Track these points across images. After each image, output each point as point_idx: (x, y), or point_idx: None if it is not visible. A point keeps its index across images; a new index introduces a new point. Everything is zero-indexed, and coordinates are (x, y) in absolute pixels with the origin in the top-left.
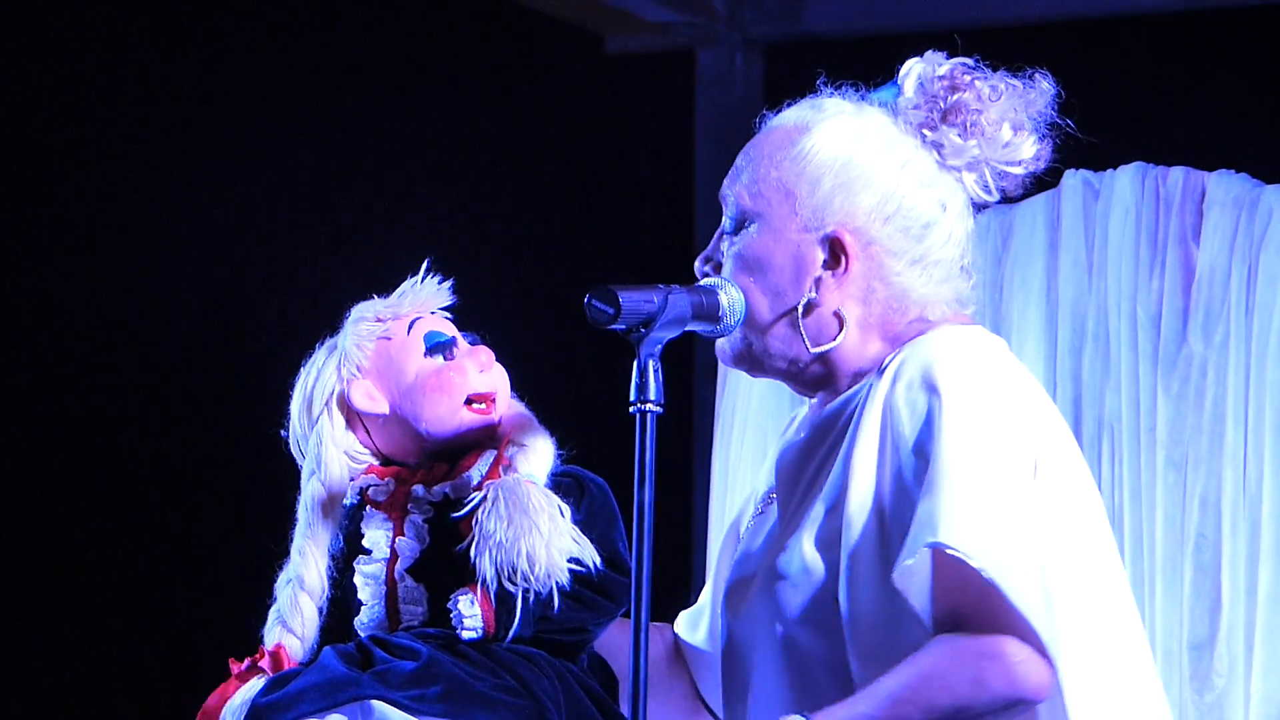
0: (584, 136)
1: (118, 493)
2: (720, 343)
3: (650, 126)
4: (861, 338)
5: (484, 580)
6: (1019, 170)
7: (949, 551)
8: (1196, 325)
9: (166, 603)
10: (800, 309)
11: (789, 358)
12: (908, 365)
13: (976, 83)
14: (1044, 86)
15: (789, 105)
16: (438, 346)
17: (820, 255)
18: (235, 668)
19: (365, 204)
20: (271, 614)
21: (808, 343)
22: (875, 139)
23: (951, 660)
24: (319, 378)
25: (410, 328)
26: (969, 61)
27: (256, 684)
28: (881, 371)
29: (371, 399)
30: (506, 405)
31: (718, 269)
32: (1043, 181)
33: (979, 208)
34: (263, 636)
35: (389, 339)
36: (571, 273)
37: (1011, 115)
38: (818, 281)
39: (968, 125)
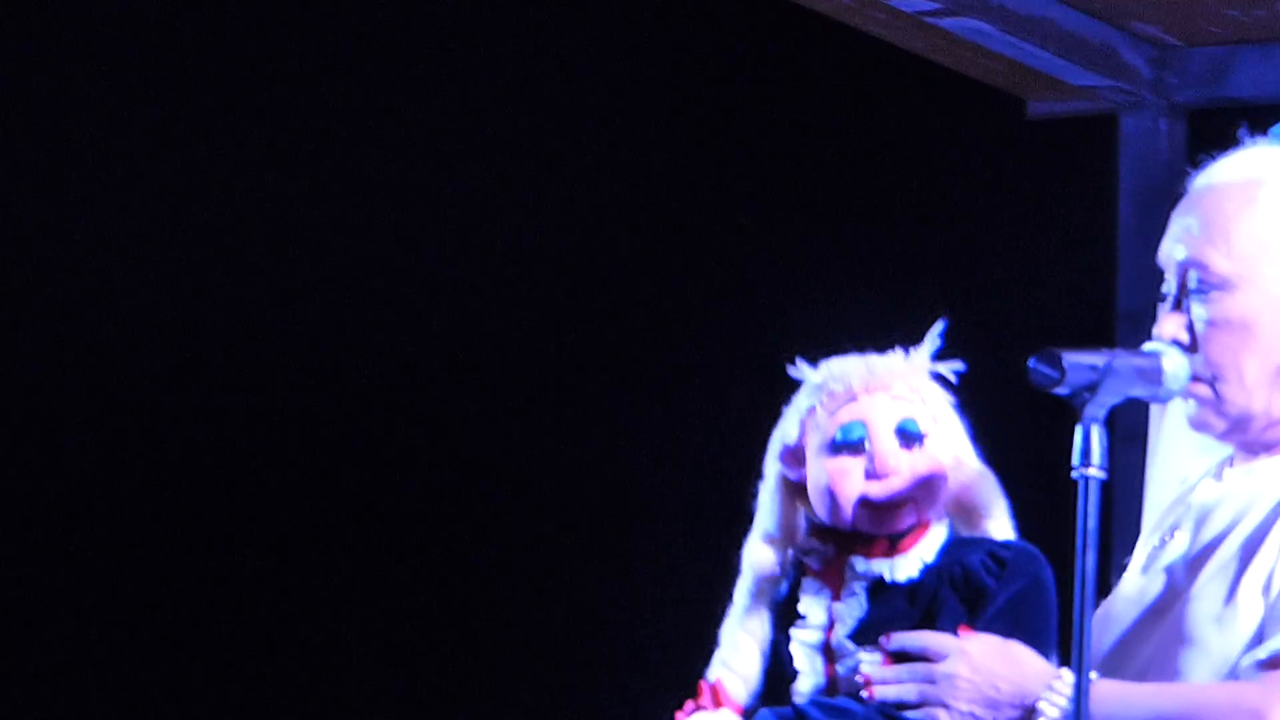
0: (1004, 199)
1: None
2: (1199, 413)
3: (1071, 190)
4: None
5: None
6: None
7: None
8: None
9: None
10: None
11: (1274, 420)
12: None
13: None
14: None
15: (1210, 161)
16: (843, 445)
17: None
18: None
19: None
20: (715, 656)
21: None
22: None
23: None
24: (780, 427)
25: (841, 407)
26: None
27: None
28: None
29: (794, 465)
30: (939, 488)
31: (1186, 333)
32: None
33: None
34: (704, 674)
35: (815, 411)
36: (989, 336)
37: None
38: None
39: None
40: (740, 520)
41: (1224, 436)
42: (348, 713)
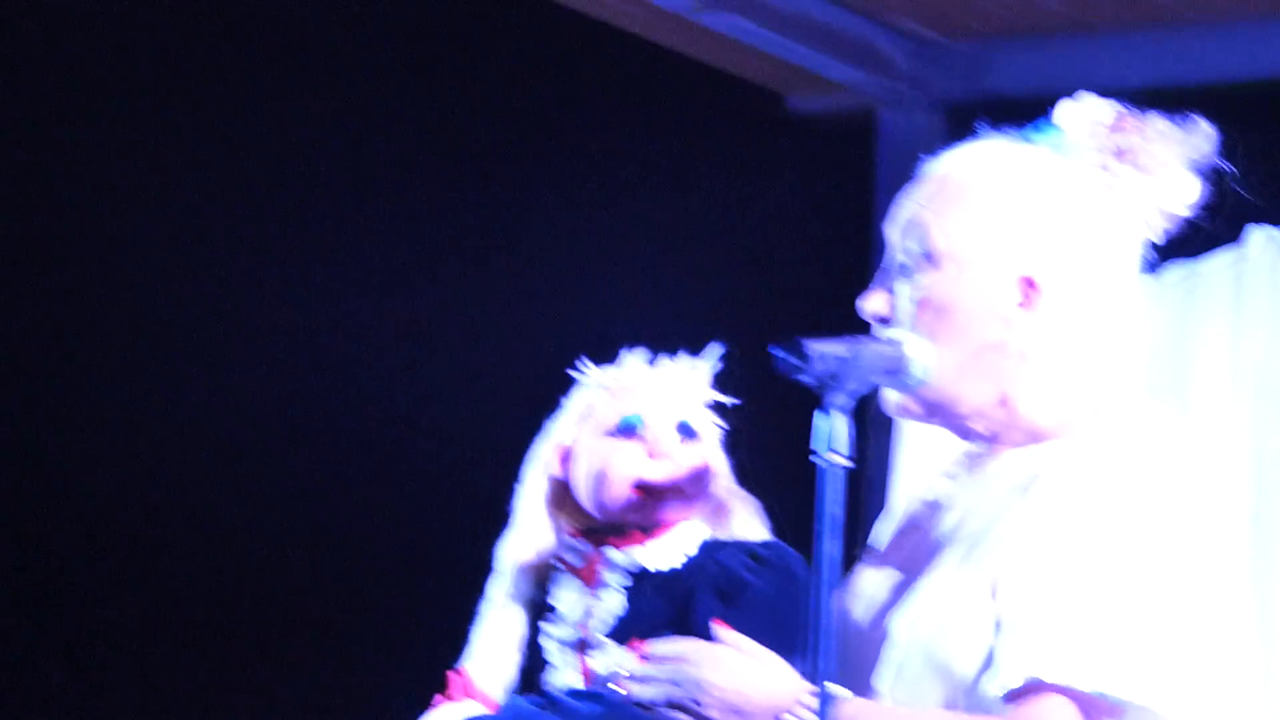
0: (762, 195)
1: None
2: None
3: (829, 186)
4: (1049, 386)
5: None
6: (1186, 213)
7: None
8: None
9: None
10: (989, 350)
11: (972, 403)
12: (1100, 455)
13: (1139, 122)
14: (1205, 130)
15: (949, 149)
16: (622, 430)
17: (1014, 295)
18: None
19: (546, 263)
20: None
21: (993, 385)
22: (1055, 179)
23: None
24: (552, 425)
25: (623, 400)
26: (1123, 106)
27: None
28: (1064, 440)
29: (560, 460)
30: (698, 484)
31: (889, 308)
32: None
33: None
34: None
35: (594, 406)
36: (743, 331)
37: (1180, 154)
38: (1008, 320)
39: (1139, 164)
40: (498, 519)
41: (926, 421)
42: None
